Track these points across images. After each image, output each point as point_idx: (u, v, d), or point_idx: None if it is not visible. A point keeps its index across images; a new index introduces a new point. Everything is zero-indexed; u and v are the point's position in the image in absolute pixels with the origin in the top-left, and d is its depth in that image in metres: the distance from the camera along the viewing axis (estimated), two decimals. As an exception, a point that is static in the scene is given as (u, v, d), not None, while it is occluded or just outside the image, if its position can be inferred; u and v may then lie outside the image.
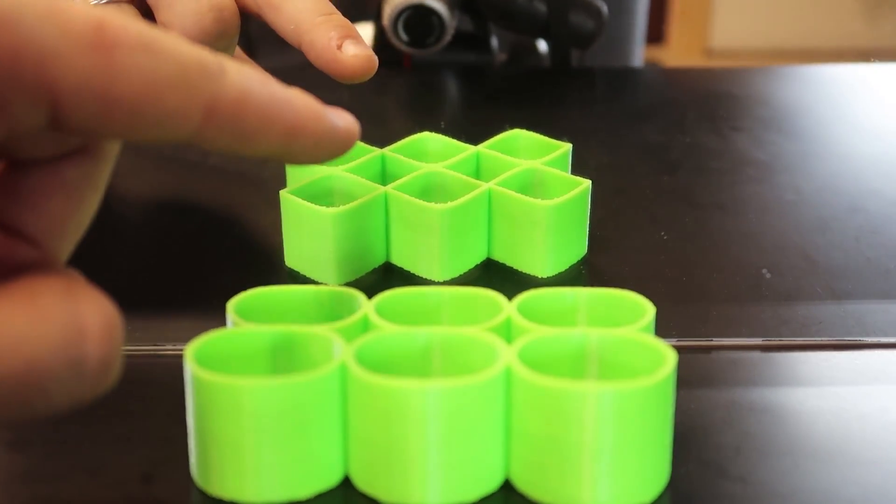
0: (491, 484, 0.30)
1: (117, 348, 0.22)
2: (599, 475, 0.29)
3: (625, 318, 0.33)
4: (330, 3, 0.44)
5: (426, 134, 0.46)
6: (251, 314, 0.32)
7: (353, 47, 0.42)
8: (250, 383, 0.28)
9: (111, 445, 0.32)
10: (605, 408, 0.28)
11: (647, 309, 0.32)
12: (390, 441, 0.29)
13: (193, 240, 0.46)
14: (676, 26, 2.48)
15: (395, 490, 0.29)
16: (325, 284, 0.41)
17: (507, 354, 0.29)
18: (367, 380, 0.29)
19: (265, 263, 0.43)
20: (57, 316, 0.21)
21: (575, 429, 0.28)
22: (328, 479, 0.30)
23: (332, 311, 0.33)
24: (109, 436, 0.33)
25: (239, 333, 0.31)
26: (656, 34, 2.48)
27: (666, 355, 0.29)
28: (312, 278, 0.41)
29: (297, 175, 0.43)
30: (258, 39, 0.84)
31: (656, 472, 0.30)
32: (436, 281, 0.41)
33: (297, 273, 0.42)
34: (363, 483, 0.30)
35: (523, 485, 0.30)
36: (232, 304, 0.32)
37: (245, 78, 0.23)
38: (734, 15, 2.47)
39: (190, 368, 0.29)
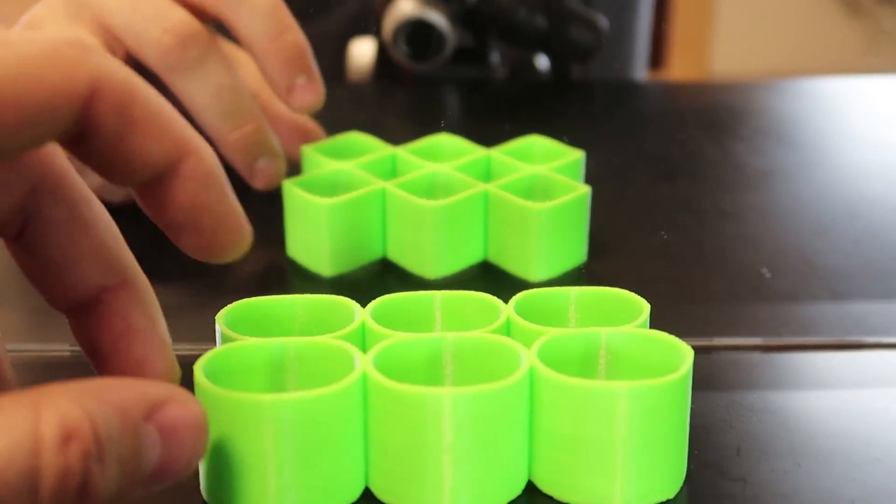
0: (516, 488, 0.30)
1: (89, 456, 0.20)
2: (628, 473, 0.28)
3: (619, 316, 0.32)
4: (284, 20, 0.43)
5: (442, 135, 0.46)
6: (240, 325, 0.32)
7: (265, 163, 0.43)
8: (273, 399, 0.27)
9: (111, 445, 0.32)
10: (635, 405, 0.28)
11: (642, 306, 0.32)
12: (416, 450, 0.28)
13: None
14: (677, 51, 2.49)
15: (419, 499, 0.29)
16: (320, 275, 0.41)
17: (529, 356, 0.29)
18: (394, 389, 0.28)
19: (271, 259, 0.43)
20: (14, 426, 0.20)
21: (605, 427, 0.28)
22: (350, 493, 0.29)
23: (325, 320, 0.32)
24: (109, 436, 0.33)
25: (247, 346, 0.30)
26: (657, 59, 2.48)
27: (681, 349, 0.29)
28: (309, 268, 0.42)
29: (313, 168, 0.44)
30: None
31: (677, 467, 0.30)
32: (428, 278, 0.41)
33: (297, 263, 0.42)
34: (385, 493, 0.29)
35: (549, 486, 0.30)
36: (221, 316, 0.31)
37: (130, 73, 0.23)
38: (735, 40, 2.48)
39: (203, 385, 0.28)
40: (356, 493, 0.29)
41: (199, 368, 0.29)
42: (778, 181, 0.53)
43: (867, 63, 2.35)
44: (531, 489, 0.30)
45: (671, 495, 0.29)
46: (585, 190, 0.42)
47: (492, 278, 0.42)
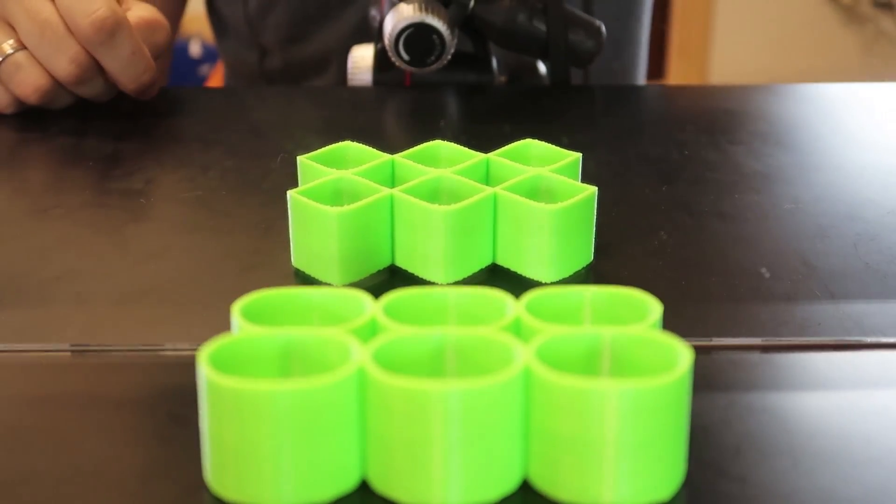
0: (510, 484, 0.30)
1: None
2: (621, 473, 0.28)
3: (631, 316, 0.33)
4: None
5: (437, 142, 0.46)
6: (256, 317, 0.32)
7: None
8: (271, 388, 0.28)
9: (111, 445, 0.32)
10: (628, 405, 0.28)
11: (654, 307, 0.32)
12: (412, 442, 0.28)
13: (200, 239, 0.46)
14: (675, 62, 2.49)
15: (415, 492, 0.29)
16: (331, 285, 0.41)
17: (525, 354, 0.29)
18: (390, 382, 0.28)
19: (272, 264, 0.43)
20: None
21: (598, 427, 0.28)
22: (346, 483, 0.30)
23: (338, 314, 0.33)
24: (109, 436, 0.33)
25: (252, 337, 0.31)
26: (656, 69, 2.49)
27: (681, 352, 0.29)
28: (318, 278, 0.41)
29: (310, 177, 0.44)
30: (273, 74, 0.85)
31: (674, 468, 0.30)
32: (440, 284, 0.41)
33: (304, 273, 0.42)
34: (382, 485, 0.29)
35: (543, 484, 0.30)
36: (237, 307, 0.32)
37: None
38: (732, 51, 2.49)
39: (206, 374, 0.28)
40: (353, 483, 0.30)
41: (204, 356, 0.29)
42: (776, 183, 0.54)
43: (865, 68, 2.35)
44: (527, 487, 0.30)
45: (667, 496, 0.29)
46: (593, 190, 0.42)
47: (503, 281, 0.42)
